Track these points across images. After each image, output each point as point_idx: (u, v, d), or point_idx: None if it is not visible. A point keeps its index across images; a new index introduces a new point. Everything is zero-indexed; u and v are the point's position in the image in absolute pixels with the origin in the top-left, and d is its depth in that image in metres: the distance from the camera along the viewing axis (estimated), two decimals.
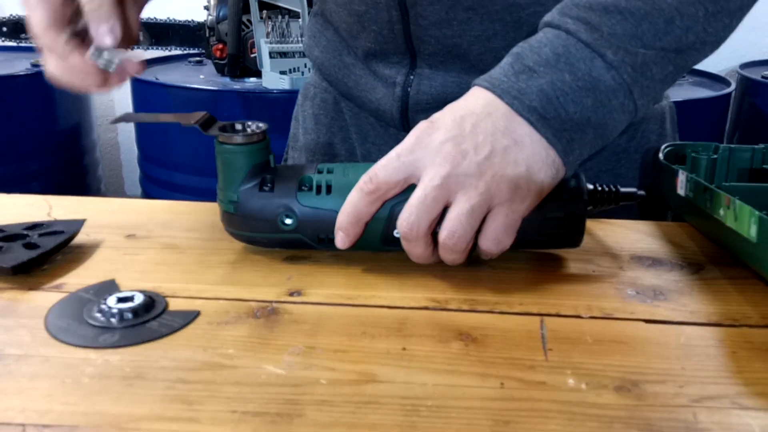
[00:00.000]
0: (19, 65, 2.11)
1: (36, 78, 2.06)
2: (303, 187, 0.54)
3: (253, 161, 0.55)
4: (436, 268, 0.55)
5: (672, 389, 0.41)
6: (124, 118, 0.57)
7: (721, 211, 0.53)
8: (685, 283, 0.54)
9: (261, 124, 0.56)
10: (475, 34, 0.66)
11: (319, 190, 0.54)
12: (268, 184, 0.55)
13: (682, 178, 0.60)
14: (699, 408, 0.39)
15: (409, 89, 0.71)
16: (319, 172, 0.55)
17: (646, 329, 0.47)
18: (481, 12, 0.64)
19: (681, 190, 0.60)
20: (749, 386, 0.41)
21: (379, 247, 0.55)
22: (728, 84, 2.02)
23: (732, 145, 0.65)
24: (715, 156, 0.65)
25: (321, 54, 0.79)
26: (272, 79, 1.80)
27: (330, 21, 0.77)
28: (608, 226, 0.64)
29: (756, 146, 0.66)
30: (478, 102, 0.52)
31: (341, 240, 0.53)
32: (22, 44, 2.26)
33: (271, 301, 0.50)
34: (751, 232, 0.49)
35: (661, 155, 0.65)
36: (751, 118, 2.14)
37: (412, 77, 0.71)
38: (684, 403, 0.40)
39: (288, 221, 0.54)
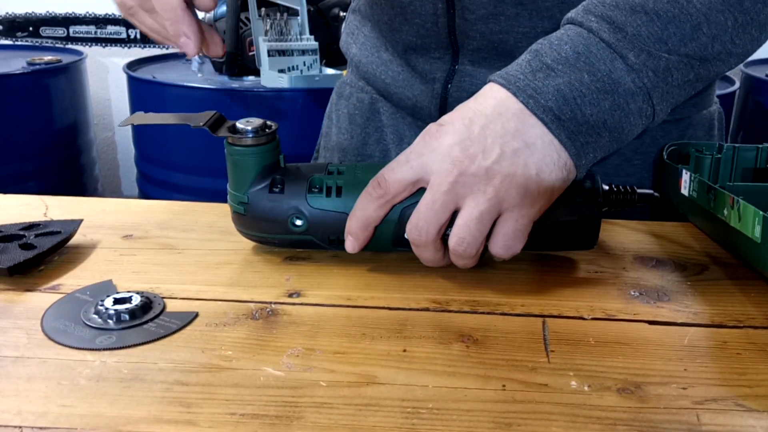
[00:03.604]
0: (15, 64, 2.11)
1: (32, 77, 2.05)
2: (313, 189, 0.54)
3: (263, 162, 0.54)
4: (436, 269, 0.54)
5: (675, 391, 0.40)
6: (134, 120, 0.56)
7: (725, 212, 0.52)
8: (689, 284, 0.54)
9: (270, 123, 0.55)
10: (522, 31, 0.64)
11: (329, 192, 0.54)
12: (278, 186, 0.54)
13: (686, 177, 0.60)
14: (702, 410, 0.39)
15: (449, 86, 0.70)
16: (329, 173, 0.55)
17: (649, 330, 0.47)
18: (530, 8, 0.63)
19: (685, 190, 0.60)
20: (753, 388, 0.41)
21: (389, 248, 0.54)
22: (732, 83, 2.02)
23: (736, 145, 0.65)
24: (719, 155, 0.65)
25: (358, 51, 0.78)
26: (271, 78, 1.80)
27: (368, 16, 0.77)
28: (611, 227, 0.64)
29: (761, 145, 0.65)
30: (488, 102, 0.51)
31: (351, 244, 0.52)
32: (18, 43, 2.25)
33: (269, 302, 0.50)
34: (756, 232, 0.48)
35: (664, 155, 0.65)
36: (756, 116, 2.13)
37: (453, 74, 0.70)
38: (687, 405, 0.39)
39: (298, 223, 0.54)
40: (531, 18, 0.64)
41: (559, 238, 0.54)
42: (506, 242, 0.50)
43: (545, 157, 0.49)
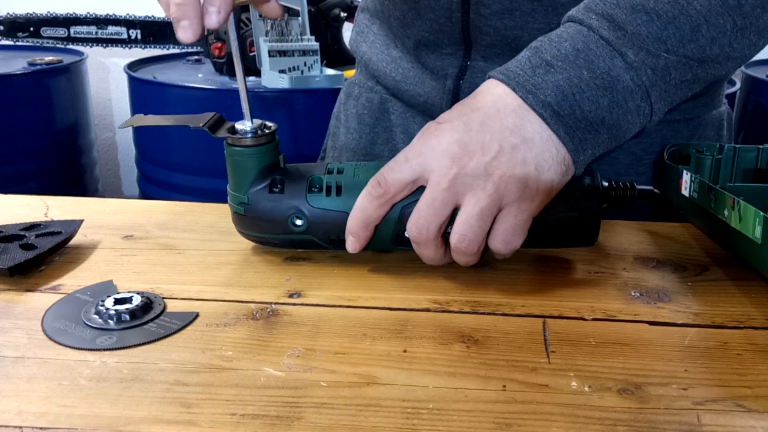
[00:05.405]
0: (15, 64, 2.10)
1: (33, 77, 2.05)
2: (313, 189, 0.54)
3: (262, 162, 0.54)
4: (437, 269, 0.54)
5: (675, 392, 0.40)
6: (134, 122, 0.56)
7: (726, 212, 0.52)
8: (689, 285, 0.54)
9: (269, 124, 0.55)
10: (537, 27, 0.64)
11: (329, 192, 0.54)
12: (278, 186, 0.54)
13: (686, 178, 0.60)
14: (703, 411, 0.39)
15: (461, 82, 0.70)
16: (329, 172, 0.55)
17: (650, 331, 0.47)
18: (546, 4, 0.63)
19: (685, 191, 0.60)
20: (753, 388, 0.41)
21: (390, 247, 0.54)
22: (733, 83, 2.02)
23: (737, 145, 0.65)
24: (720, 156, 0.65)
25: (368, 49, 0.78)
26: (271, 78, 1.80)
27: (378, 14, 0.76)
28: (611, 227, 0.64)
29: (761, 146, 0.65)
30: (486, 98, 0.51)
31: (352, 244, 0.52)
32: (19, 43, 2.25)
33: (270, 303, 0.50)
34: (756, 233, 0.48)
35: (665, 155, 0.65)
36: (756, 117, 2.13)
37: (465, 69, 0.69)
38: (688, 405, 0.39)
39: (298, 222, 0.54)
40: (547, 14, 0.63)
41: (560, 235, 0.54)
42: (506, 237, 0.50)
43: (544, 152, 0.49)
